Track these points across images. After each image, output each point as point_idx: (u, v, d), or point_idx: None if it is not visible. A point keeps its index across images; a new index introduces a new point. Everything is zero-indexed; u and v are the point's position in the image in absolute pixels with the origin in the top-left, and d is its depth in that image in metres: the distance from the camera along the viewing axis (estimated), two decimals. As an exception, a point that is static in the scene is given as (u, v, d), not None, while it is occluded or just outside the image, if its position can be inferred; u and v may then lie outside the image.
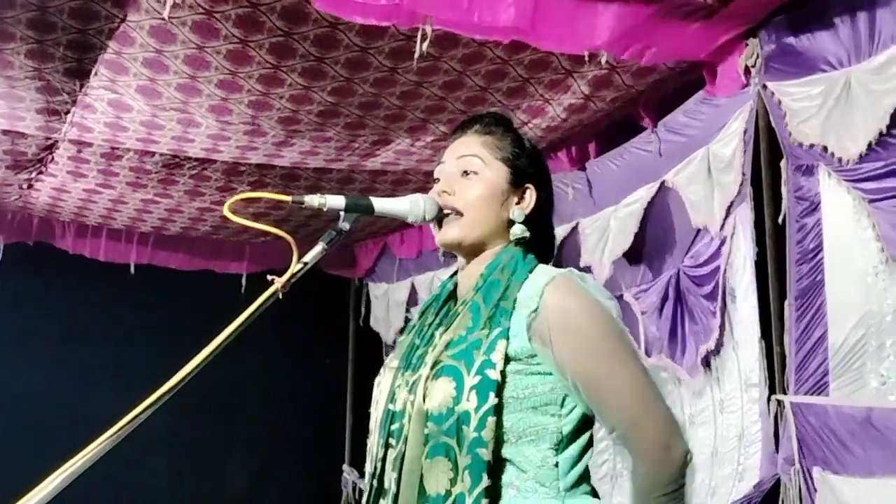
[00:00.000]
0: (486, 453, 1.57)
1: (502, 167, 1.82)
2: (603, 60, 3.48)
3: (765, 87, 3.61)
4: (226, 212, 1.72)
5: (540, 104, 4.32)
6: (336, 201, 1.76)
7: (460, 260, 1.86)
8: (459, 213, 1.79)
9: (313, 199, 1.74)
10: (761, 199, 3.71)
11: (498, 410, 1.59)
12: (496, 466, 1.60)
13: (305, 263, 1.72)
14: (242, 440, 7.22)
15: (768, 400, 3.59)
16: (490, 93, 4.14)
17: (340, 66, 3.82)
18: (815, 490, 3.28)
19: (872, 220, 3.14)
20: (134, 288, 6.73)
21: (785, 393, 3.49)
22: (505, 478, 1.61)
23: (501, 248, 1.79)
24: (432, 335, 1.77)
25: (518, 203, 1.82)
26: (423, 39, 3.09)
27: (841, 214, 3.30)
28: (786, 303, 3.51)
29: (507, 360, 1.63)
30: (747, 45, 3.61)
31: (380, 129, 4.58)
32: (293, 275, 1.69)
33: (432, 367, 1.65)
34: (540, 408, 1.64)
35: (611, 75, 4.06)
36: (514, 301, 1.68)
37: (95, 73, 3.91)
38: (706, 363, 4.05)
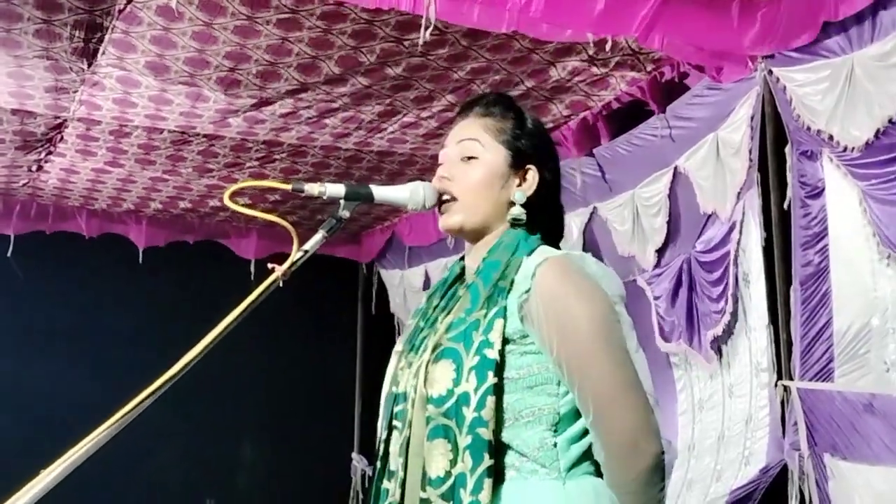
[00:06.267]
0: (486, 433, 1.56)
1: (501, 149, 1.78)
2: (607, 47, 3.48)
3: (770, 72, 3.60)
4: (226, 201, 1.72)
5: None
6: (336, 189, 1.75)
7: (467, 244, 1.84)
8: (457, 199, 1.77)
9: (313, 188, 1.73)
10: (768, 185, 3.71)
11: (497, 390, 1.58)
12: (496, 448, 1.58)
13: (306, 251, 1.72)
14: (252, 429, 7.25)
15: (775, 385, 3.59)
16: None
17: (347, 36, 3.84)
18: (827, 476, 3.29)
19: (864, 206, 3.15)
20: (142, 277, 6.75)
21: (791, 379, 3.49)
22: (506, 460, 1.60)
23: (504, 231, 1.77)
24: (436, 319, 1.78)
25: (520, 185, 1.78)
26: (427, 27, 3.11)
27: (845, 200, 3.29)
28: (791, 288, 3.51)
29: (505, 340, 1.61)
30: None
31: (385, 100, 4.58)
32: (294, 263, 1.69)
33: (433, 351, 1.65)
34: (535, 388, 1.62)
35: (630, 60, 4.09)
36: (512, 281, 1.66)
37: (103, 52, 3.95)
38: (716, 348, 4.06)
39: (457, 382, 1.60)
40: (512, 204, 1.78)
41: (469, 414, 1.57)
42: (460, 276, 1.86)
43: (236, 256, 7.08)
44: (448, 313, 1.74)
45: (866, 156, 3.16)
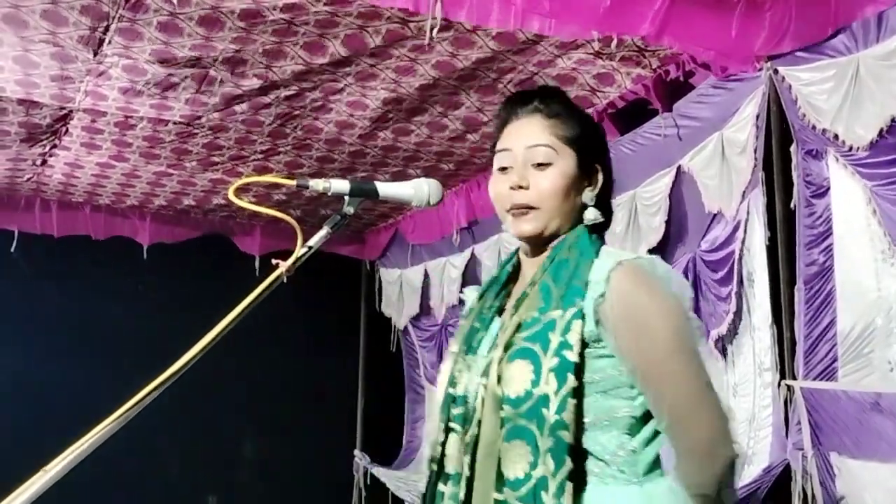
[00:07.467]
0: (567, 436, 1.55)
1: (572, 153, 1.76)
2: (613, 45, 3.48)
3: (776, 71, 3.59)
4: (231, 196, 1.71)
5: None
6: (340, 186, 1.74)
7: (523, 244, 1.80)
8: (537, 207, 1.73)
9: (318, 184, 1.73)
10: (773, 184, 3.70)
11: (577, 393, 1.57)
12: (576, 452, 1.57)
13: (310, 247, 1.71)
14: (254, 426, 7.24)
15: (778, 385, 3.59)
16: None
17: (353, 17, 3.82)
18: (834, 475, 3.28)
19: (873, 206, 3.14)
20: (145, 273, 6.76)
21: (794, 378, 3.49)
22: (586, 465, 1.60)
23: (568, 231, 1.75)
24: (492, 318, 1.76)
25: (588, 185, 1.77)
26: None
27: (850, 199, 3.29)
28: (795, 288, 3.51)
29: (583, 343, 1.60)
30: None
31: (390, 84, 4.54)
32: (298, 259, 1.69)
33: (505, 350, 1.62)
34: (610, 392, 1.61)
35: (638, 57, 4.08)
36: (586, 283, 1.64)
37: (109, 42, 3.95)
38: (721, 347, 4.06)
39: (535, 384, 1.57)
40: (584, 206, 1.76)
41: (550, 416, 1.56)
42: (513, 276, 1.84)
43: (240, 253, 7.09)
44: (514, 312, 1.70)
45: (871, 155, 3.16)
